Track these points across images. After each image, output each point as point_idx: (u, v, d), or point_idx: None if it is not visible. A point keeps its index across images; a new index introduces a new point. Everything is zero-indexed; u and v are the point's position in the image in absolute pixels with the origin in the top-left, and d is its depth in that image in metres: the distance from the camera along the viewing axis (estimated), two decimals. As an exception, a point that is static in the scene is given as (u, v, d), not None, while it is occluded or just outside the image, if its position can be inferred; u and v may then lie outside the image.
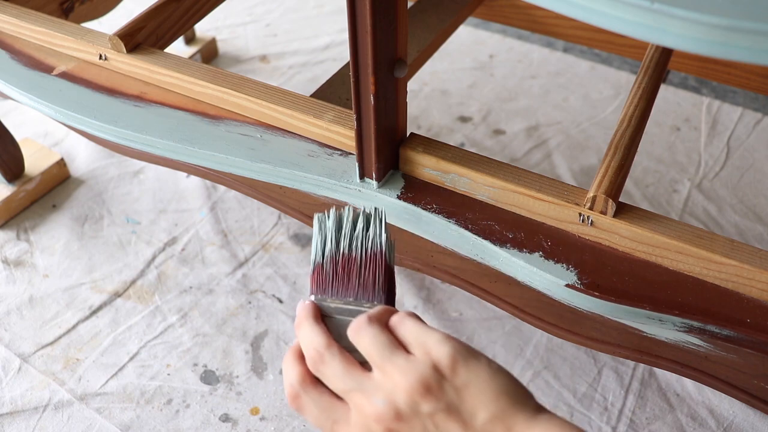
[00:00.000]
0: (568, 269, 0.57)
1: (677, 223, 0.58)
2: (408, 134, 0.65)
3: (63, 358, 0.88)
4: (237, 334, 0.90)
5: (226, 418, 0.82)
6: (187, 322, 0.91)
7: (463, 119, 1.22)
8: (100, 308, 0.93)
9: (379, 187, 0.64)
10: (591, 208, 0.59)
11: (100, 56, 0.77)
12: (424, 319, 0.91)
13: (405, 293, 0.94)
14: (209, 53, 1.36)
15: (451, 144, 0.65)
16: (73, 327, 0.91)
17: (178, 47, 1.33)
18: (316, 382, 0.47)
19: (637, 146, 0.65)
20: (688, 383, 0.84)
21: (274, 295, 0.94)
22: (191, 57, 1.31)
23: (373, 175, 0.63)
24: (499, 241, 0.60)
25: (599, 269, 0.58)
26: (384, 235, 0.51)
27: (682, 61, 0.97)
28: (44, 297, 0.95)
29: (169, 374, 0.86)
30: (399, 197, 0.63)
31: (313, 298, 0.51)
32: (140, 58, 0.75)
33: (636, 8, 0.37)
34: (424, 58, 0.86)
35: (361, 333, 0.46)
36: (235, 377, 0.86)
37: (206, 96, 0.73)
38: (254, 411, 0.83)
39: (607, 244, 0.59)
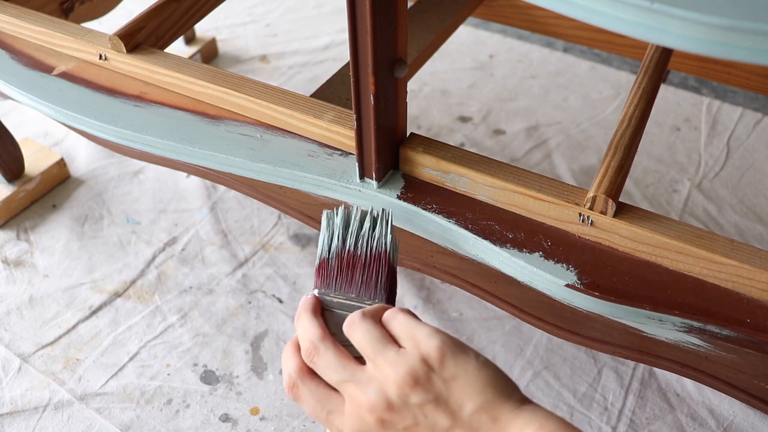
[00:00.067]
0: (568, 269, 0.57)
1: (677, 223, 0.58)
2: (408, 134, 0.65)
3: (63, 358, 0.88)
4: (237, 334, 0.90)
5: (226, 418, 0.82)
6: (187, 322, 0.91)
7: (463, 119, 1.22)
8: (100, 308, 0.93)
9: (379, 187, 0.64)
10: (591, 208, 0.59)
11: (100, 56, 0.77)
12: (424, 319, 0.91)
13: (405, 293, 0.94)
14: (209, 53, 1.36)
15: (451, 144, 0.65)
16: (73, 327, 0.91)
17: (178, 47, 1.33)
18: (313, 373, 0.49)
19: (637, 146, 0.65)
20: (688, 383, 0.84)
21: (274, 295, 0.94)
22: (191, 57, 1.31)
23: (373, 175, 0.63)
24: (499, 241, 0.60)
25: (599, 269, 0.58)
26: (390, 236, 0.53)
27: (682, 61, 0.97)
28: (44, 297, 0.95)
29: (169, 374, 0.86)
30: (399, 197, 0.63)
31: (316, 291, 0.52)
32: (140, 58, 0.75)
33: (636, 8, 0.37)
34: (424, 58, 0.86)
35: (354, 327, 0.48)
36: (235, 377, 0.86)
37: (206, 96, 0.73)
38: (254, 411, 0.83)
39: (607, 244, 0.59)
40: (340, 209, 0.54)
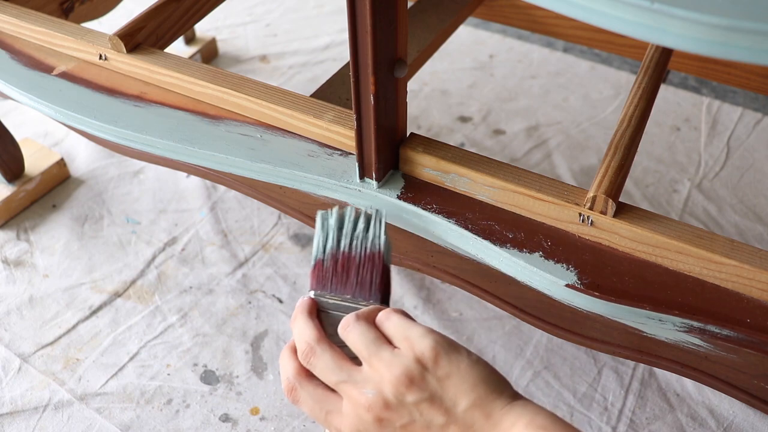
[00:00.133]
0: (568, 269, 0.57)
1: (677, 223, 0.58)
2: (408, 134, 0.65)
3: (63, 358, 0.88)
4: (237, 334, 0.90)
5: (226, 418, 0.82)
6: (187, 322, 0.91)
7: (463, 119, 1.22)
8: (100, 308, 0.93)
9: (379, 187, 0.64)
10: (591, 208, 0.59)
11: (100, 56, 0.77)
12: (424, 319, 0.91)
13: (405, 293, 0.94)
14: (209, 53, 1.36)
15: (451, 144, 0.65)
16: (73, 327, 0.91)
17: (178, 47, 1.33)
18: (311, 375, 0.50)
19: (637, 146, 0.65)
20: (688, 383, 0.84)
21: (274, 295, 0.94)
22: (191, 57, 1.31)
23: (373, 175, 0.63)
24: (499, 241, 0.60)
25: (599, 269, 0.58)
26: (383, 237, 0.53)
27: (682, 61, 0.97)
28: (44, 297, 0.95)
29: (169, 374, 0.86)
30: (399, 197, 0.63)
31: (312, 293, 0.53)
32: (140, 58, 0.75)
33: (636, 8, 0.37)
34: (424, 58, 0.86)
35: (349, 329, 0.49)
36: (235, 377, 0.86)
37: (206, 96, 0.73)
38: (254, 411, 0.83)
39: (607, 244, 0.59)
40: (335, 210, 0.54)
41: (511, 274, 0.60)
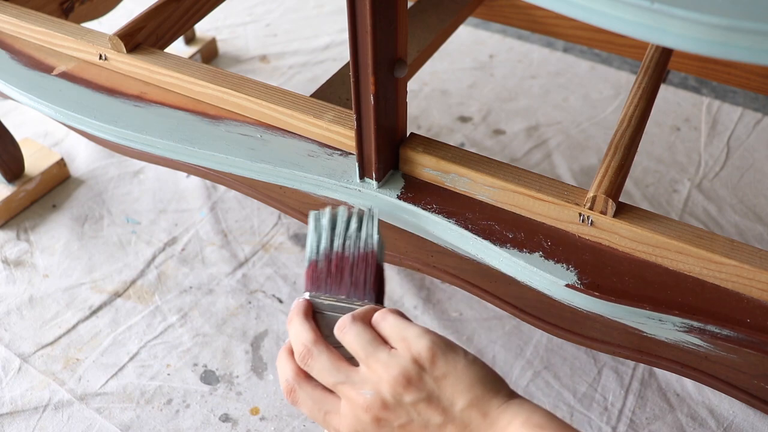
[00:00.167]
0: (568, 269, 0.57)
1: (677, 223, 0.58)
2: (408, 134, 0.65)
3: (63, 358, 0.88)
4: (237, 334, 0.90)
5: (226, 418, 0.82)
6: (187, 322, 0.91)
7: (463, 119, 1.22)
8: (100, 308, 0.93)
9: (379, 187, 0.64)
10: (591, 208, 0.59)
11: (100, 56, 0.77)
12: (424, 319, 0.91)
13: (405, 293, 0.94)
14: (209, 53, 1.36)
15: (451, 144, 0.65)
16: (73, 327, 0.91)
17: (178, 47, 1.33)
18: (309, 376, 0.50)
19: (637, 146, 0.65)
20: (688, 383, 0.84)
21: (274, 295, 0.94)
22: (191, 57, 1.32)
23: (373, 175, 0.63)
24: (499, 241, 0.60)
25: (599, 269, 0.58)
26: (376, 236, 0.53)
27: (682, 61, 0.97)
28: (44, 297, 0.95)
29: (169, 374, 0.86)
30: (399, 197, 0.63)
31: (307, 294, 0.53)
32: (140, 58, 0.75)
33: (636, 8, 0.37)
34: (424, 58, 0.86)
35: (345, 331, 0.49)
36: (235, 377, 0.86)
37: (206, 96, 0.73)
38: (254, 411, 0.83)
39: (607, 244, 0.59)
40: (327, 210, 0.54)
41: (511, 274, 0.60)
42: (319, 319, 0.52)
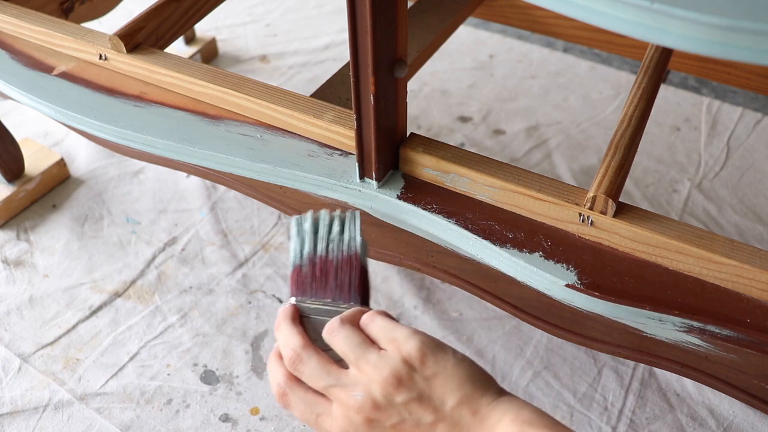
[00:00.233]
0: (568, 269, 0.57)
1: (677, 223, 0.58)
2: (408, 134, 0.65)
3: (63, 358, 0.88)
4: (237, 334, 0.90)
5: (226, 418, 0.82)
6: (187, 322, 0.91)
7: (463, 119, 1.22)
8: (100, 308, 0.93)
9: (379, 187, 0.64)
10: (591, 208, 0.59)
11: (100, 56, 0.77)
12: (424, 319, 0.91)
13: (405, 293, 0.94)
14: (209, 53, 1.36)
15: (451, 144, 0.65)
16: (73, 327, 0.91)
17: (178, 47, 1.33)
18: (299, 380, 0.51)
19: (637, 146, 0.65)
20: (688, 383, 0.84)
21: (274, 295, 0.94)
22: (191, 57, 1.31)
23: (373, 175, 0.63)
24: (499, 241, 0.60)
25: (599, 269, 0.58)
26: (359, 238, 0.53)
27: (682, 61, 0.97)
28: (44, 297, 0.95)
29: (169, 374, 0.86)
30: (399, 197, 0.63)
31: (293, 299, 0.53)
32: (140, 58, 0.75)
33: (636, 8, 0.37)
34: (424, 58, 0.86)
35: (334, 334, 0.49)
36: (235, 377, 0.86)
37: (206, 96, 0.73)
38: (254, 411, 0.83)
39: (607, 244, 0.59)
40: (308, 214, 0.54)
41: (511, 274, 0.60)
42: (306, 323, 0.52)
